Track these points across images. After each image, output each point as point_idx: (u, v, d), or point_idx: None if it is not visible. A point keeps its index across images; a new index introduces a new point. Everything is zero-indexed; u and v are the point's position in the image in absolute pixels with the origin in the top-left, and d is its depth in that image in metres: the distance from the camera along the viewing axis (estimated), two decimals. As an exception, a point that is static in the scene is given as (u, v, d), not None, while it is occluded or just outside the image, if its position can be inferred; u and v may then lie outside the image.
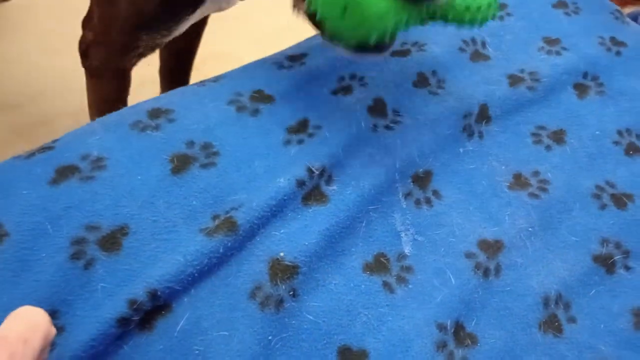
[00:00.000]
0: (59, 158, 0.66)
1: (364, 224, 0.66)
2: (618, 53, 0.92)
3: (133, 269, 0.58)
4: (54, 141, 0.69)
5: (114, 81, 1.00)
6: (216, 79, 0.80)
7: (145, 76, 1.17)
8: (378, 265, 0.63)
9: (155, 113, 0.72)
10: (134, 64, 0.96)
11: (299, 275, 0.60)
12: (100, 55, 0.95)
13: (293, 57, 0.83)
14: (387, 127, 0.74)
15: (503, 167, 0.77)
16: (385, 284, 0.62)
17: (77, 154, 0.66)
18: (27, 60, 1.62)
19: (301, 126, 0.73)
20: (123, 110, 0.74)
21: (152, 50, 0.93)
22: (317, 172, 0.67)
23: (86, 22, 0.98)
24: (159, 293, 0.56)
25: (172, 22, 0.88)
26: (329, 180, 0.68)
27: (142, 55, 0.93)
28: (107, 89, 1.01)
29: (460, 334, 0.61)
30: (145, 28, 0.87)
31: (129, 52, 0.91)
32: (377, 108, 0.76)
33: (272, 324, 0.57)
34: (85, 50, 0.98)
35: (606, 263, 0.69)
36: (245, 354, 0.55)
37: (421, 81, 0.82)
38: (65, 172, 0.64)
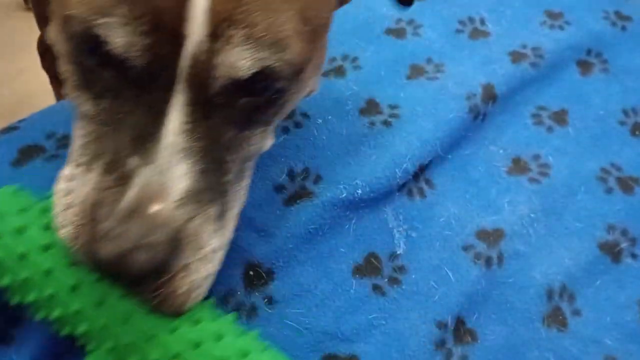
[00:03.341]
0: (23, 138, 0.63)
1: (353, 222, 0.62)
2: (623, 28, 0.87)
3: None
4: (20, 121, 0.66)
5: None
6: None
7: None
8: (369, 267, 0.59)
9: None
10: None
11: (275, 282, 0.56)
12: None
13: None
14: (385, 123, 0.70)
15: (501, 151, 0.73)
16: (376, 287, 0.58)
17: (42, 133, 0.64)
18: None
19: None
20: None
21: None
22: (299, 176, 0.63)
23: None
24: None
25: None
26: (316, 180, 0.63)
27: None
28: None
29: (460, 330, 0.58)
30: None
31: None
32: (370, 108, 0.72)
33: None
34: (43, 52, 0.94)
35: (612, 251, 0.66)
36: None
37: (415, 73, 0.77)
38: (29, 152, 0.62)
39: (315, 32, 0.49)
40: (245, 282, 0.56)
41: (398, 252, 0.61)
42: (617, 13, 0.89)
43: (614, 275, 0.64)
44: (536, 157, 0.72)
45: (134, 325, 0.45)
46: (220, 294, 0.55)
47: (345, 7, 0.86)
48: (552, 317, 0.60)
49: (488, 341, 0.58)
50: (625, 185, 0.71)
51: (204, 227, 0.46)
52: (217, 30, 0.42)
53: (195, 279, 0.46)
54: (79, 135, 0.48)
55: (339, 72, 0.77)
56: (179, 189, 0.44)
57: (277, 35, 0.44)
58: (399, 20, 0.85)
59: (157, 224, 0.43)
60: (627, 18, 0.88)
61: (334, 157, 0.65)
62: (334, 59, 0.79)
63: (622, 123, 0.77)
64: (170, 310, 0.46)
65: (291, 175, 0.63)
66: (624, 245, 0.66)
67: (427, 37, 0.83)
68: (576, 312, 0.61)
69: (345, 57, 0.79)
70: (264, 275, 0.56)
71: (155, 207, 0.43)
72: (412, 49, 0.80)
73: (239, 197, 0.51)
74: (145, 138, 0.44)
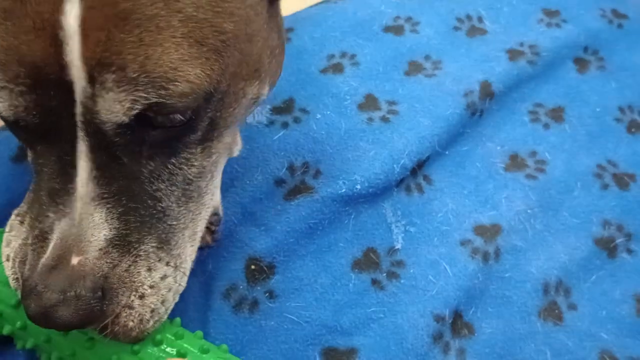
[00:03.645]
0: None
1: (352, 217, 0.63)
2: (620, 26, 0.88)
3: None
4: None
5: None
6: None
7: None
8: (367, 261, 0.60)
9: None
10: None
11: (276, 276, 0.57)
12: None
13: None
14: (384, 119, 0.70)
15: (498, 148, 0.74)
16: (375, 282, 0.59)
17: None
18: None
19: (287, 106, 0.70)
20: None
21: None
22: (299, 170, 0.63)
23: None
24: None
25: None
26: (316, 174, 0.64)
27: None
28: None
29: (457, 323, 0.58)
30: None
31: None
32: (369, 103, 0.72)
33: (246, 327, 0.55)
34: None
35: (608, 246, 0.66)
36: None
37: (413, 69, 0.78)
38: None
39: (220, 49, 0.46)
40: (247, 277, 0.57)
41: (396, 247, 0.62)
42: (613, 11, 0.89)
43: (609, 270, 0.65)
44: (533, 153, 0.73)
45: (98, 352, 0.48)
46: (223, 289, 0.56)
47: (343, 4, 0.86)
48: (548, 311, 0.61)
49: (485, 334, 0.59)
50: (621, 181, 0.72)
51: (136, 267, 0.46)
52: (93, 75, 0.41)
53: (143, 312, 0.47)
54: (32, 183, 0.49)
55: (337, 69, 0.77)
56: (98, 238, 0.44)
57: (156, 70, 0.41)
58: (397, 18, 0.85)
59: (79, 277, 0.43)
60: (624, 16, 0.89)
61: (333, 152, 0.66)
62: (332, 56, 0.79)
63: (618, 120, 0.78)
64: (127, 340, 0.47)
65: (291, 169, 0.64)
66: (619, 240, 0.67)
67: (425, 35, 0.83)
68: (572, 307, 0.62)
69: (343, 54, 0.79)
70: (265, 269, 0.57)
71: (75, 260, 0.43)
72: (410, 45, 0.81)
73: (192, 216, 0.51)
74: (59, 191, 0.44)
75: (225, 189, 0.62)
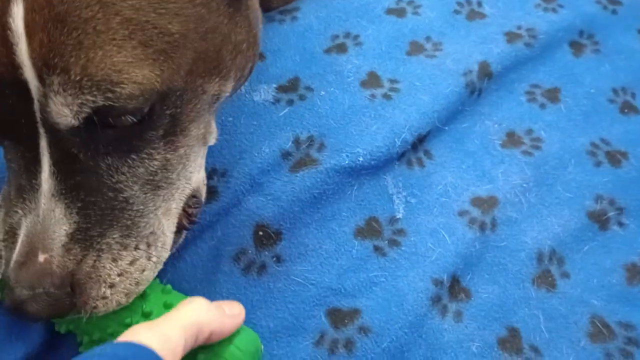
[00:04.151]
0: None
1: (355, 188, 0.65)
2: (614, 11, 0.91)
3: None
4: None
5: None
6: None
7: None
8: (370, 229, 0.62)
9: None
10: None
11: (283, 241, 0.59)
12: None
13: (284, 11, 0.82)
14: (385, 96, 0.73)
15: (496, 126, 0.76)
16: (377, 248, 0.62)
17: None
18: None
19: (292, 85, 0.72)
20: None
21: None
22: (304, 144, 0.66)
23: None
24: None
25: None
26: (320, 148, 0.67)
27: None
28: None
29: (455, 288, 0.61)
30: None
31: None
32: (371, 80, 0.75)
33: (255, 288, 0.57)
34: None
35: (600, 219, 0.69)
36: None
37: (415, 50, 0.80)
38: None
39: (167, 49, 0.45)
40: (255, 242, 0.59)
41: (398, 217, 0.64)
42: (608, -4, 0.92)
43: (601, 242, 0.68)
44: (529, 131, 0.76)
45: (111, 317, 0.51)
46: (232, 253, 0.58)
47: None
48: (541, 278, 0.64)
49: (481, 299, 0.61)
50: (614, 158, 0.74)
51: (100, 261, 0.48)
52: (42, 76, 0.41)
53: (118, 298, 0.49)
54: None
55: (341, 48, 0.80)
56: (60, 234, 0.45)
57: (99, 74, 0.41)
58: (399, 1, 0.88)
59: (46, 274, 0.45)
60: (618, 2, 0.91)
61: (337, 126, 0.68)
62: (336, 37, 0.81)
63: (611, 101, 0.80)
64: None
65: (297, 142, 0.66)
66: (611, 214, 0.70)
67: (426, 17, 0.85)
68: (565, 275, 0.65)
69: (347, 35, 0.82)
70: (272, 235, 0.60)
71: (42, 258, 0.45)
72: (412, 27, 0.83)
73: (163, 199, 0.51)
74: (26, 187, 0.46)
75: (234, 161, 0.64)
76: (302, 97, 0.72)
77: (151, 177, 0.50)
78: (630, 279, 0.65)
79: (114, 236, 0.48)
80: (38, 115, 0.43)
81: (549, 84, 0.81)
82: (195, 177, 0.56)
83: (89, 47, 0.41)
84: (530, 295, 0.63)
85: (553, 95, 0.80)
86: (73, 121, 0.43)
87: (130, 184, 0.49)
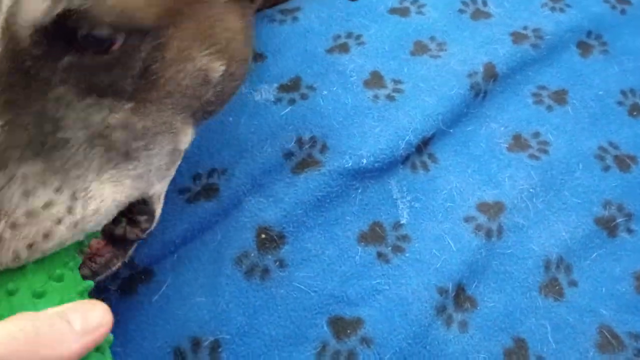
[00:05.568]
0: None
1: (359, 191, 0.64)
2: (623, 11, 0.89)
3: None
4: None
5: None
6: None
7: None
8: (373, 235, 0.61)
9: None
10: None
11: (286, 246, 0.58)
12: None
13: (285, 11, 0.80)
14: (389, 97, 0.71)
15: (502, 129, 0.74)
16: (381, 255, 0.60)
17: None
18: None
19: (294, 84, 0.71)
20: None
21: None
22: (307, 144, 0.64)
23: None
24: (135, 261, 0.55)
25: None
26: (322, 149, 0.65)
27: None
28: None
29: (460, 297, 0.59)
30: None
31: None
32: (375, 80, 0.73)
33: (258, 293, 0.56)
34: None
35: (608, 226, 0.67)
36: (230, 322, 0.54)
37: (419, 50, 0.78)
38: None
39: None
40: (258, 245, 0.58)
41: (402, 222, 0.63)
42: (617, -4, 0.90)
43: (609, 249, 0.66)
44: (536, 134, 0.74)
45: None
46: (234, 255, 0.57)
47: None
48: (549, 287, 0.62)
49: (487, 308, 0.60)
50: (622, 163, 0.73)
51: (11, 188, 0.40)
52: None
53: (16, 246, 0.40)
54: None
55: (343, 48, 0.78)
56: None
57: None
58: (402, 0, 0.86)
59: None
60: (627, 2, 0.90)
61: (340, 127, 0.66)
62: (338, 37, 0.80)
63: (620, 103, 0.79)
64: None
65: (299, 142, 0.65)
66: (619, 220, 0.68)
67: (430, 16, 0.84)
68: (572, 283, 0.63)
69: (349, 35, 0.80)
70: (275, 238, 0.58)
71: None
72: (415, 27, 0.81)
73: (114, 167, 0.45)
74: None
75: (234, 161, 0.63)
76: (304, 97, 0.70)
77: (106, 133, 0.44)
78: (639, 288, 0.64)
79: (36, 167, 0.41)
80: (3, 11, 0.39)
81: (556, 85, 0.79)
82: (154, 181, 0.50)
83: None
84: (537, 304, 0.61)
85: (560, 97, 0.78)
86: (44, 18, 0.38)
87: (77, 128, 0.42)
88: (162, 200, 0.53)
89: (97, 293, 0.54)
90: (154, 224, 0.53)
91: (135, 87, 0.44)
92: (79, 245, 0.45)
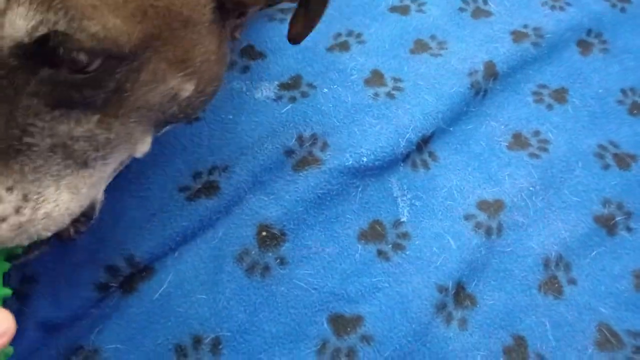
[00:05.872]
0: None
1: (360, 189, 0.64)
2: (623, 9, 0.89)
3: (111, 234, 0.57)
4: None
5: None
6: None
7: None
8: (373, 233, 0.61)
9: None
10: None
11: (286, 243, 0.58)
12: None
13: (285, 10, 0.80)
14: (389, 95, 0.71)
15: (502, 127, 0.75)
16: (381, 253, 0.60)
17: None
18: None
19: (294, 82, 0.71)
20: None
21: None
22: (308, 142, 0.64)
23: None
24: (136, 258, 0.55)
25: None
26: (323, 147, 0.65)
27: None
28: None
29: (460, 295, 0.59)
30: None
31: None
32: (375, 78, 0.73)
33: (258, 290, 0.56)
34: None
35: (607, 224, 0.68)
36: (231, 319, 0.54)
37: (419, 48, 0.78)
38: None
39: (148, 11, 0.43)
40: (258, 242, 0.58)
41: (402, 220, 0.63)
42: (617, -5, 0.90)
43: (609, 247, 0.66)
44: (536, 133, 0.74)
45: None
46: (235, 253, 0.57)
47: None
48: (548, 284, 0.62)
49: (487, 306, 0.60)
50: (622, 161, 0.73)
51: None
52: None
53: None
54: None
55: (344, 46, 0.78)
56: None
57: (75, 2, 0.39)
58: (402, -1, 0.86)
59: None
60: (627, 0, 0.90)
61: (340, 125, 0.67)
62: (338, 35, 0.80)
63: (620, 102, 0.79)
64: None
65: (300, 140, 0.65)
66: (619, 218, 0.68)
67: (430, 15, 0.84)
68: (572, 281, 0.63)
69: (350, 33, 0.80)
70: (276, 236, 0.58)
71: None
72: (416, 25, 0.81)
73: (71, 173, 0.46)
74: None
75: (235, 157, 0.63)
76: (304, 95, 0.70)
77: (69, 143, 0.45)
78: (639, 286, 0.64)
79: None
80: None
81: (556, 84, 0.80)
82: (103, 186, 0.51)
83: None
84: (536, 302, 0.61)
85: (560, 95, 0.78)
86: (25, 38, 0.39)
87: (43, 136, 0.43)
88: (102, 197, 0.54)
89: (99, 291, 0.54)
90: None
91: (104, 102, 0.44)
92: (9, 251, 0.45)
